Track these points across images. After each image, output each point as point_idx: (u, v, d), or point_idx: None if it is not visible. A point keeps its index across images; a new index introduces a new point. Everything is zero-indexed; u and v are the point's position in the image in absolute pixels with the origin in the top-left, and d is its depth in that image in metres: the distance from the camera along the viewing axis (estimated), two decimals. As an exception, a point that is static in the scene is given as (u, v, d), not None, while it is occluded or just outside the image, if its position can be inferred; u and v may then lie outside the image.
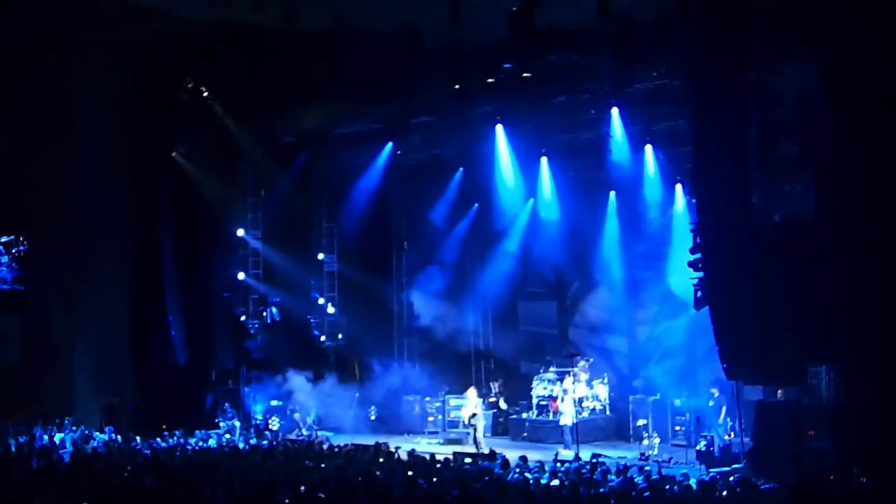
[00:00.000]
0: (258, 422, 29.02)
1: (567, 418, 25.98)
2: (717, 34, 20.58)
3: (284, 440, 26.44)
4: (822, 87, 19.71)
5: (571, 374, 27.31)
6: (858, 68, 19.06)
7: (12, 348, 29.39)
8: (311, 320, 32.29)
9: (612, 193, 29.04)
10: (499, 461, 19.42)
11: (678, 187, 27.01)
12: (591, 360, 28.60)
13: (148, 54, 28.14)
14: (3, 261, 30.32)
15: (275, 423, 29.02)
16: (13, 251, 30.10)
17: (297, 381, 29.68)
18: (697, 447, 23.55)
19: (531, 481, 17.02)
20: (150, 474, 17.29)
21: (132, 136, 29.12)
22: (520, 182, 29.71)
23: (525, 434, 27.83)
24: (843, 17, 19.36)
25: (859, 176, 19.18)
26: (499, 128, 28.20)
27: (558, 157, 29.03)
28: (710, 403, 25.02)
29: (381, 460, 20.11)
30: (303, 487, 15.59)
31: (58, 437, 24.39)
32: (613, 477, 17.57)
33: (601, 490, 16.00)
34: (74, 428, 25.61)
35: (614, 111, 25.79)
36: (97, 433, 25.48)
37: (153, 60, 28.23)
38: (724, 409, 24.25)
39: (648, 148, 26.80)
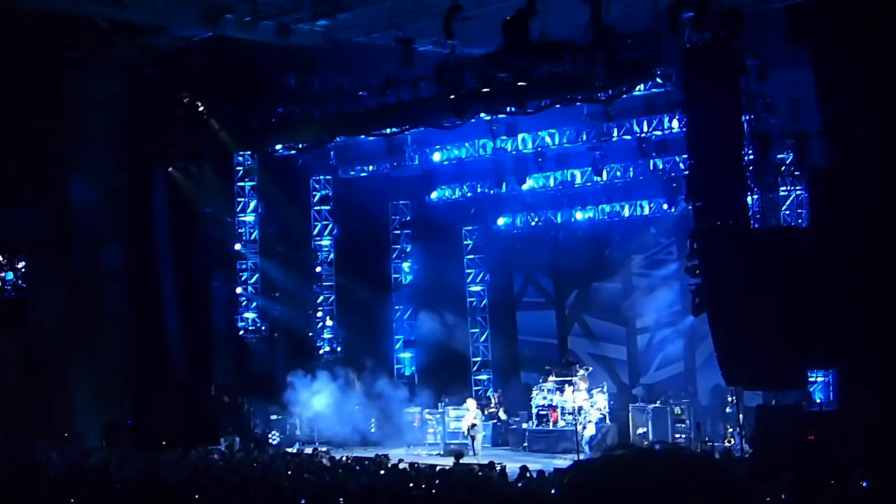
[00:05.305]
0: (258, 436, 28.99)
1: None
2: (710, 43, 20.66)
3: (284, 454, 26.37)
4: (816, 95, 19.83)
5: (570, 383, 27.27)
6: (852, 75, 19.16)
7: (10, 368, 29.31)
8: (310, 333, 32.33)
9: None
10: (497, 471, 19.44)
11: (674, 195, 27.05)
12: (591, 368, 28.52)
13: (143, 71, 28.15)
14: (7, 277, 30.28)
15: (274, 438, 29.01)
16: (15, 267, 30.09)
17: (296, 395, 29.64)
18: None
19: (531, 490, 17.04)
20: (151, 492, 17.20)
21: (128, 151, 29.11)
22: (517, 191, 29.82)
23: (525, 444, 27.77)
24: (836, 24, 19.45)
25: (853, 182, 19.26)
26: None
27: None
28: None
29: (381, 472, 20.11)
30: (303, 501, 15.62)
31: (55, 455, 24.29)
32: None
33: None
34: (73, 445, 25.49)
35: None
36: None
37: (148, 76, 28.24)
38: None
39: (644, 156, 26.86)
